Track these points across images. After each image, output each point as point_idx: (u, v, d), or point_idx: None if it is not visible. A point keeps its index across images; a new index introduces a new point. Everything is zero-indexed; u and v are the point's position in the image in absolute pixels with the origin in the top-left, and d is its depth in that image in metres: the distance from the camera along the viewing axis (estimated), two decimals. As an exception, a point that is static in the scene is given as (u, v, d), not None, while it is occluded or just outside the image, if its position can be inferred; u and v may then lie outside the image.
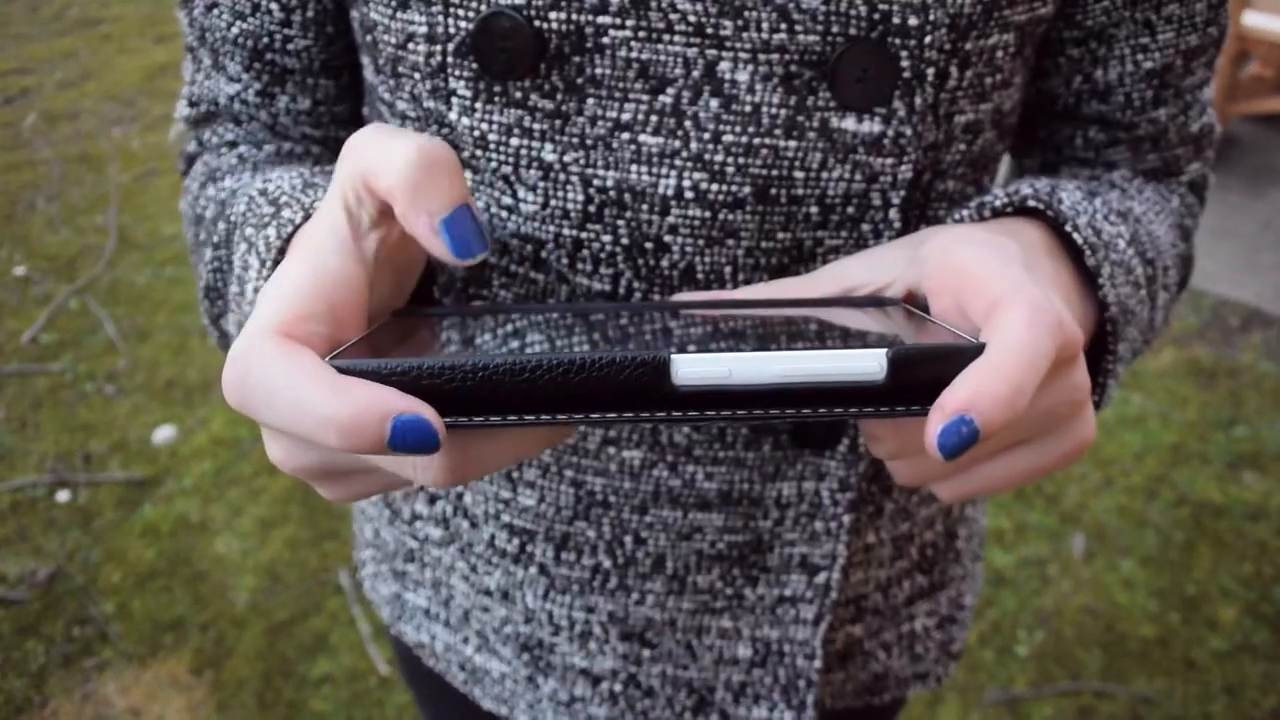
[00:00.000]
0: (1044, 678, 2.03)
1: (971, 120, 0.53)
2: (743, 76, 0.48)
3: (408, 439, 0.31)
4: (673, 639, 0.64)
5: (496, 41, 0.48)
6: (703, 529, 0.60)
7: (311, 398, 0.31)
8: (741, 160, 0.49)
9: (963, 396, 0.32)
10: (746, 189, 0.50)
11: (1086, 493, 2.44)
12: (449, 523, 0.67)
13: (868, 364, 0.32)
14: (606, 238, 0.52)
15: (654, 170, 0.50)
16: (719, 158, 0.49)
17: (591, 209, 0.51)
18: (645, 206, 0.50)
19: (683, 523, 0.60)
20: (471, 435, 0.35)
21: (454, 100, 0.50)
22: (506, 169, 0.51)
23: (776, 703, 0.66)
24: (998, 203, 0.50)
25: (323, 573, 2.28)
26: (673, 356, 0.31)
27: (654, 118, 0.49)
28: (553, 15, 0.47)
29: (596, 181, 0.50)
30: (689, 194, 0.50)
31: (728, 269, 0.52)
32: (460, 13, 0.48)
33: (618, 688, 0.66)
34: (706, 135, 0.49)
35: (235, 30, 0.59)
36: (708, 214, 0.50)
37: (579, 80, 0.49)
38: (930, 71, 0.48)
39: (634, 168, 0.50)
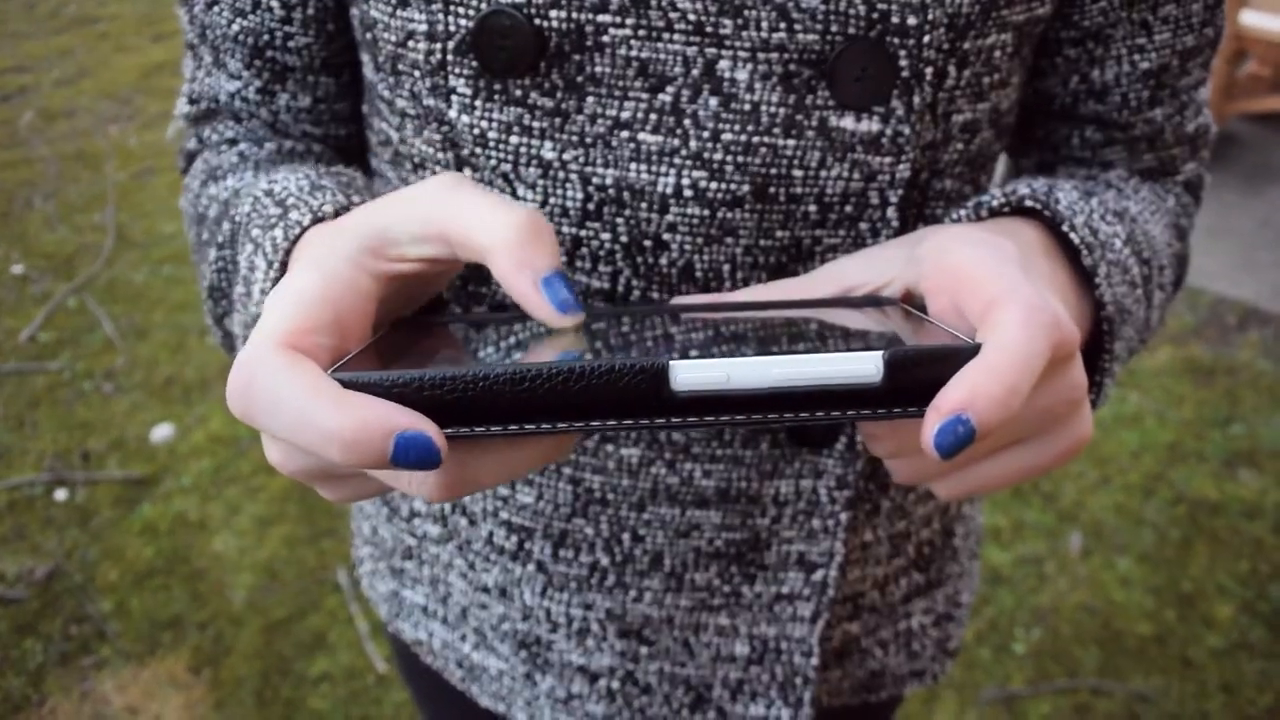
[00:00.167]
0: (1041, 675, 2.03)
1: (969, 119, 0.53)
2: (742, 75, 0.48)
3: (410, 455, 0.31)
4: (670, 636, 0.64)
5: (496, 39, 0.48)
6: (700, 526, 0.60)
7: (315, 412, 0.32)
8: (740, 159, 0.49)
9: (958, 397, 0.32)
10: (745, 187, 0.50)
11: (1084, 491, 2.44)
12: (447, 520, 0.67)
13: (864, 367, 0.32)
14: (605, 235, 0.52)
15: (653, 168, 0.50)
16: (718, 156, 0.49)
17: (591, 207, 0.51)
18: (644, 204, 0.51)
19: (680, 520, 0.60)
20: (470, 450, 0.35)
21: (454, 98, 0.51)
22: (506, 167, 0.51)
23: (774, 700, 0.66)
24: (995, 202, 0.50)
25: (321, 571, 2.28)
26: (671, 363, 0.32)
27: (653, 116, 0.49)
28: (553, 14, 0.47)
29: (596, 179, 0.51)
30: (688, 192, 0.50)
31: (726, 267, 0.52)
32: (460, 11, 0.48)
33: (615, 685, 0.66)
34: (706, 134, 0.49)
35: (236, 27, 0.59)
36: (706, 212, 0.51)
37: (579, 78, 0.49)
38: (928, 71, 0.49)
39: (633, 166, 0.50)
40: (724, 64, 0.48)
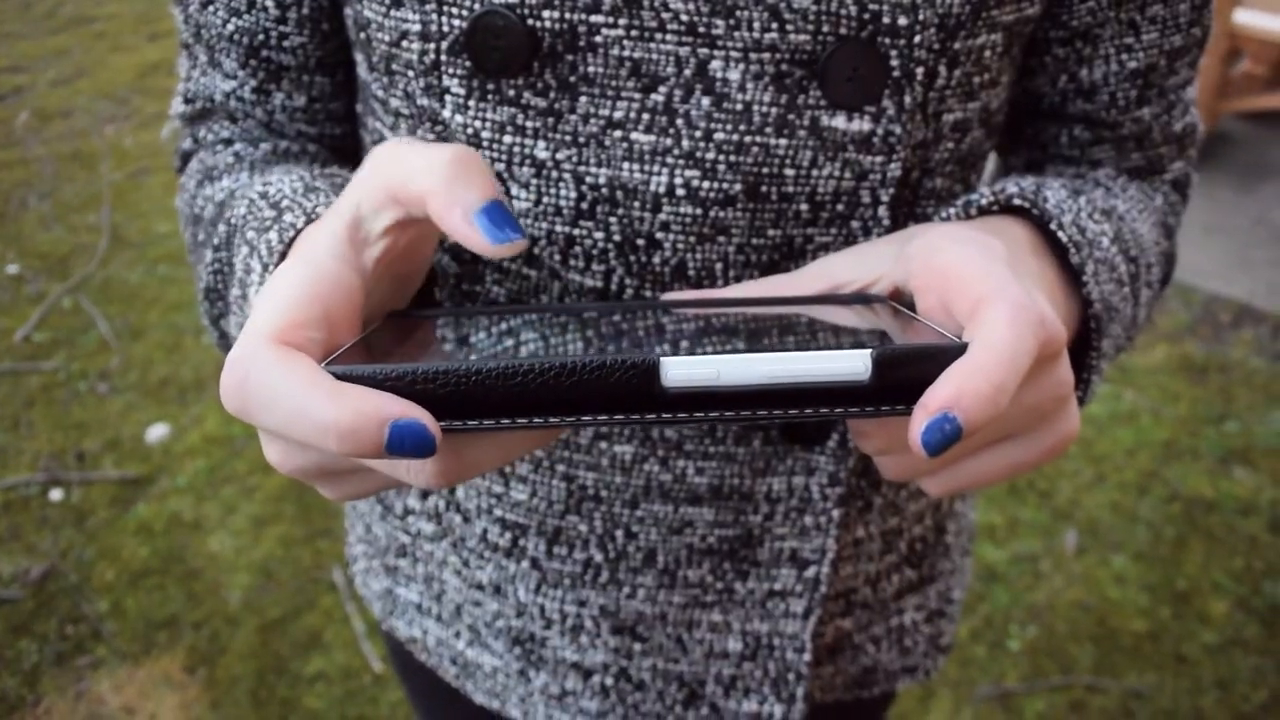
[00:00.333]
0: (1036, 672, 2.04)
1: (960, 119, 0.53)
2: (734, 75, 0.48)
3: (405, 443, 0.32)
4: (663, 633, 0.65)
5: (490, 40, 0.48)
6: (693, 523, 0.61)
7: (310, 404, 0.32)
8: (732, 158, 0.50)
9: (945, 395, 0.32)
10: (737, 186, 0.50)
11: (1079, 488, 2.44)
12: (441, 517, 0.67)
13: (853, 364, 0.32)
14: (599, 235, 0.52)
15: (646, 168, 0.50)
16: (710, 155, 0.50)
17: (584, 206, 0.52)
18: (637, 204, 0.51)
19: (673, 517, 0.60)
20: (464, 438, 0.35)
21: (447, 98, 0.51)
22: (499, 166, 0.52)
23: (766, 696, 0.66)
24: (984, 201, 0.51)
25: (316, 570, 2.28)
26: (661, 359, 0.32)
27: (646, 116, 0.49)
28: (545, 14, 0.47)
29: (589, 179, 0.51)
30: (680, 191, 0.50)
31: (719, 265, 0.53)
32: (453, 11, 0.48)
33: (609, 681, 0.67)
34: (698, 133, 0.49)
35: (231, 27, 0.59)
36: (699, 211, 0.51)
37: (572, 78, 0.49)
38: (919, 71, 0.49)
39: (626, 165, 0.50)
40: (716, 64, 0.48)
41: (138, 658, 2.09)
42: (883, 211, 0.52)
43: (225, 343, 0.59)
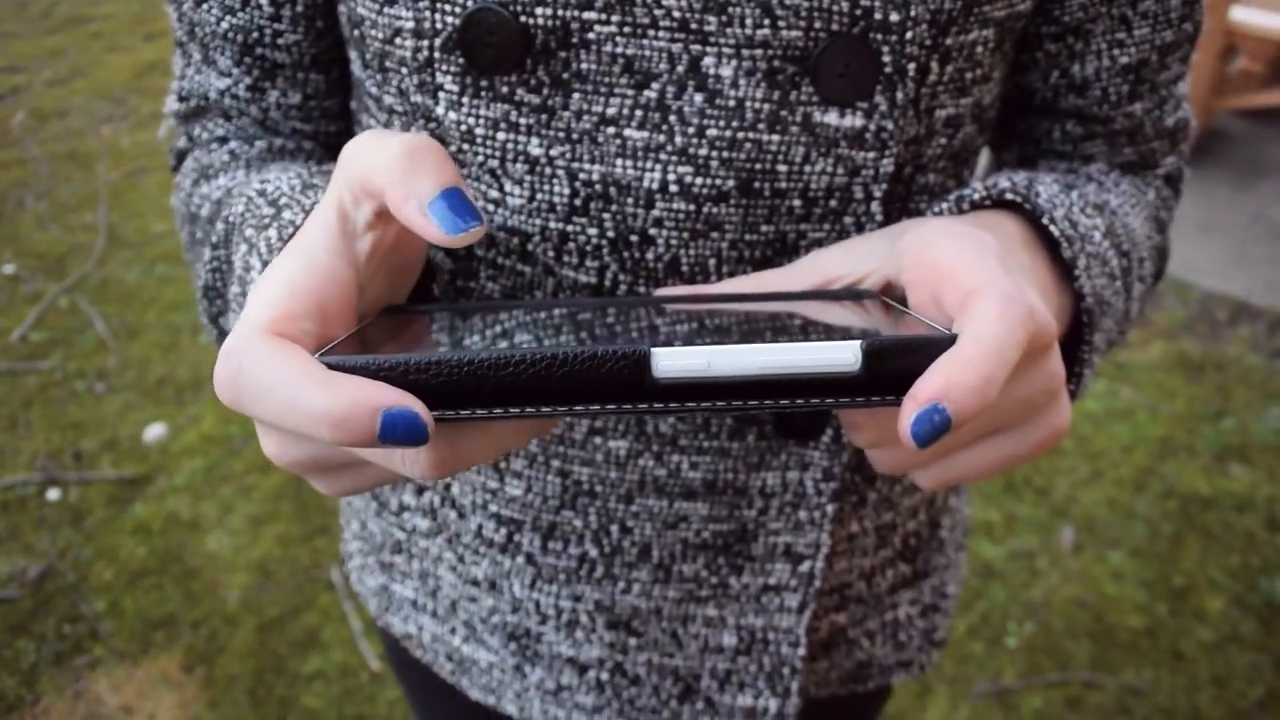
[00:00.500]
0: (1033, 669, 2.04)
1: (952, 114, 0.54)
2: (726, 71, 0.48)
3: (397, 431, 0.32)
4: (659, 627, 0.65)
5: (483, 36, 0.48)
6: (688, 518, 0.61)
7: (303, 394, 0.32)
8: (725, 154, 0.50)
9: (935, 386, 0.33)
10: (730, 182, 0.50)
11: (1075, 485, 2.45)
12: (436, 513, 0.67)
13: (843, 355, 0.33)
14: (592, 231, 0.52)
15: (639, 164, 0.50)
16: (703, 152, 0.50)
17: (577, 202, 0.52)
18: (630, 200, 0.51)
19: (668, 512, 0.61)
20: (458, 429, 0.36)
21: (441, 95, 0.51)
22: (493, 163, 0.52)
23: (761, 690, 0.67)
24: (976, 196, 0.51)
25: (314, 569, 2.28)
26: (652, 350, 0.32)
27: (639, 112, 0.49)
28: (538, 11, 0.48)
29: (582, 175, 0.51)
30: (673, 187, 0.51)
31: (712, 261, 0.53)
32: (447, 8, 0.49)
33: (604, 676, 0.67)
34: (691, 129, 0.49)
35: (225, 25, 0.59)
36: (692, 207, 0.51)
37: (565, 75, 0.49)
38: (911, 66, 0.49)
39: (619, 162, 0.50)
40: (708, 60, 0.48)
41: (135, 657, 2.09)
42: (875, 207, 0.52)
43: (224, 340, 0.59)
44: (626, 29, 0.48)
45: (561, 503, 0.62)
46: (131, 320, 3.13)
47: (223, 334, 0.59)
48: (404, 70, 0.52)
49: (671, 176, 0.50)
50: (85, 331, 3.08)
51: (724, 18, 0.47)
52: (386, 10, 0.51)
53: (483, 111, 0.51)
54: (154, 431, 2.67)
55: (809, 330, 0.37)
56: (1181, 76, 0.62)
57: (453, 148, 0.52)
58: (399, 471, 0.36)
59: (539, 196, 0.52)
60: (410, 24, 0.50)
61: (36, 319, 3.12)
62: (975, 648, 2.08)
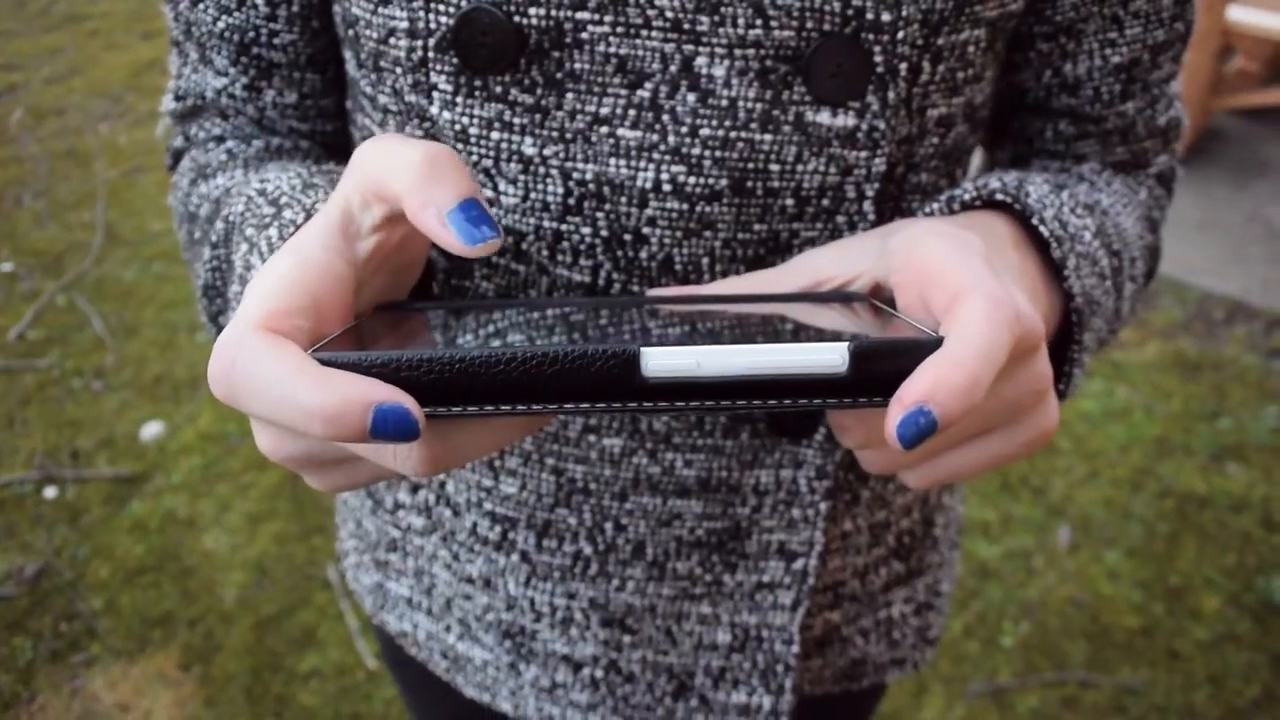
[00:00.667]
0: (1029, 668, 2.04)
1: (944, 114, 0.54)
2: (719, 71, 0.49)
3: (389, 427, 0.32)
4: (653, 625, 0.65)
5: (477, 36, 0.48)
6: (682, 516, 0.61)
7: (296, 389, 0.32)
8: (718, 153, 0.50)
9: (921, 388, 0.33)
10: (723, 181, 0.51)
11: (1072, 485, 2.45)
12: (431, 511, 0.67)
13: (830, 356, 0.33)
14: (586, 230, 0.53)
15: (632, 163, 0.50)
16: (696, 151, 0.50)
17: (571, 202, 0.52)
18: (624, 199, 0.51)
19: (662, 509, 0.61)
20: (450, 426, 0.36)
21: (435, 95, 0.51)
22: (487, 163, 0.52)
23: (755, 688, 0.67)
24: (966, 196, 0.51)
25: (311, 567, 2.28)
26: (642, 349, 0.33)
27: (632, 112, 0.50)
28: (532, 11, 0.48)
29: (576, 175, 0.51)
30: (667, 187, 0.51)
31: (705, 260, 0.53)
32: (440, 8, 0.49)
33: (599, 673, 0.67)
34: (684, 129, 0.50)
35: (221, 24, 0.59)
36: (685, 206, 0.51)
37: (558, 75, 0.49)
38: (903, 66, 0.49)
39: (612, 161, 0.51)
40: (701, 60, 0.49)
41: (132, 655, 2.09)
42: (868, 206, 0.52)
43: None
44: (619, 29, 0.48)
45: (556, 500, 0.62)
46: (129, 318, 3.13)
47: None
48: (398, 70, 0.52)
49: (665, 176, 0.50)
50: (82, 329, 3.08)
51: (716, 18, 0.47)
52: (381, 10, 0.51)
53: (477, 111, 0.51)
54: (151, 430, 2.67)
55: (798, 332, 0.37)
56: (1174, 75, 0.62)
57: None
58: (391, 468, 0.36)
59: (533, 196, 0.52)
60: (404, 24, 0.50)
61: (34, 317, 3.12)
62: (971, 647, 2.08)
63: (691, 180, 0.51)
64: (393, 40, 0.51)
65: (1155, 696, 1.98)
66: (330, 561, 2.29)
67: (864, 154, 0.51)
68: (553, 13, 0.48)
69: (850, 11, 0.47)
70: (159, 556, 2.32)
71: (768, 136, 0.50)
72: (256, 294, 0.36)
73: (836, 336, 0.35)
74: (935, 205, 0.51)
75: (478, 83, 0.50)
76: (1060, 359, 0.54)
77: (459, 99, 0.51)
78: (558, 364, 0.33)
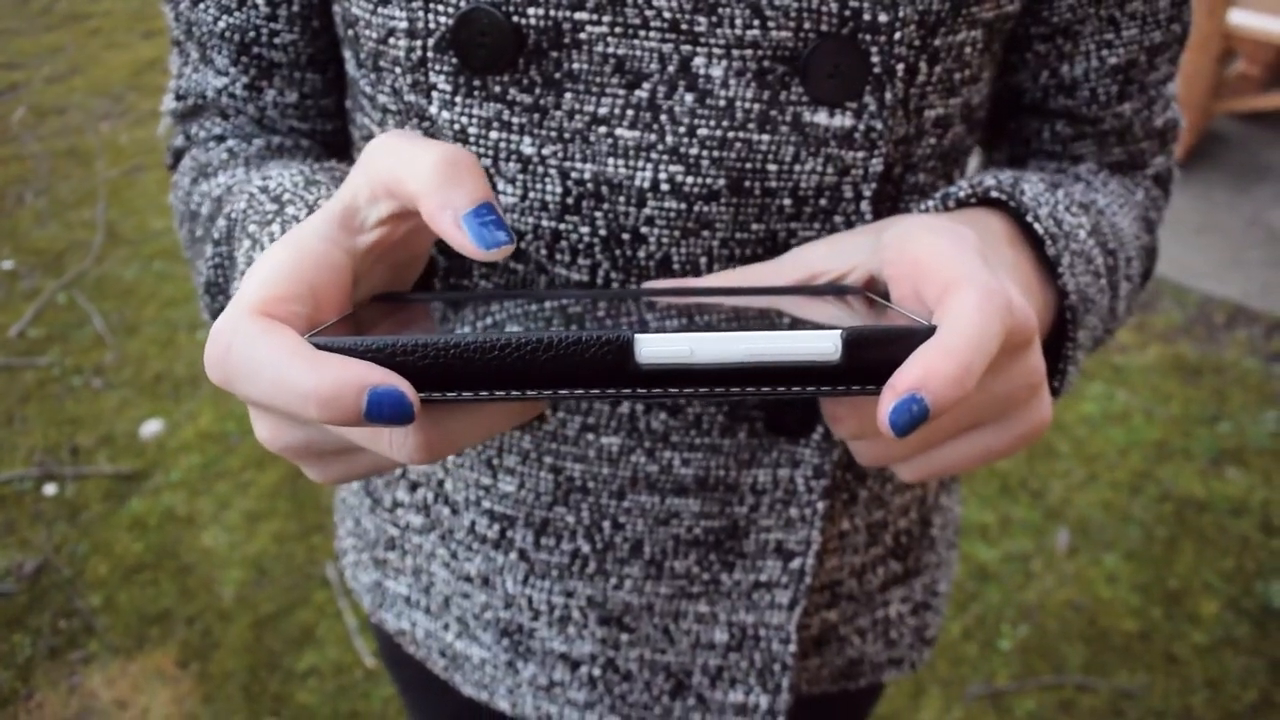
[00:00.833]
0: (1027, 671, 2.04)
1: (941, 114, 0.54)
2: (717, 72, 0.49)
3: (384, 409, 0.32)
4: (650, 623, 0.65)
5: (476, 37, 0.49)
6: (680, 514, 0.61)
7: (291, 372, 0.32)
8: (716, 153, 0.50)
9: (913, 376, 0.33)
10: (721, 181, 0.51)
11: (1071, 488, 2.45)
12: (430, 510, 0.68)
13: (823, 344, 0.33)
14: (584, 229, 0.53)
15: (630, 163, 0.51)
16: (694, 151, 0.50)
17: (569, 201, 0.52)
18: (622, 199, 0.52)
19: (660, 508, 0.61)
20: (445, 411, 0.36)
21: (434, 94, 0.51)
22: (486, 162, 0.52)
23: (752, 687, 0.67)
24: (962, 193, 0.52)
25: (310, 566, 2.28)
26: (636, 336, 0.33)
27: (630, 112, 0.50)
28: (531, 11, 0.48)
29: (574, 174, 0.51)
30: (665, 186, 0.51)
31: (703, 260, 0.53)
32: (440, 8, 0.49)
33: (596, 672, 0.67)
34: (682, 129, 0.50)
35: (222, 24, 0.60)
36: (683, 206, 0.51)
37: (557, 75, 0.50)
38: (900, 67, 0.49)
39: (611, 161, 0.51)
40: (699, 60, 0.49)
41: (130, 652, 2.09)
42: (865, 206, 0.52)
43: None
44: (618, 29, 0.48)
45: (554, 499, 0.62)
46: (129, 316, 3.13)
47: None
48: (398, 70, 0.52)
49: (663, 175, 0.51)
50: (83, 327, 3.08)
51: (714, 18, 0.48)
52: (380, 10, 0.51)
53: (476, 111, 0.51)
54: (151, 427, 2.67)
55: (792, 323, 0.37)
56: (1170, 77, 0.62)
57: None
58: (386, 454, 0.36)
59: (531, 195, 0.52)
60: (404, 24, 0.50)
61: (34, 315, 3.12)
62: (969, 650, 2.08)
63: (689, 180, 0.51)
64: (392, 40, 0.51)
65: (1153, 700, 1.98)
66: (329, 560, 2.29)
67: (861, 154, 0.51)
68: (551, 13, 0.48)
69: (847, 12, 0.48)
70: (158, 554, 2.32)
71: (765, 136, 0.50)
72: (253, 281, 0.37)
73: (830, 326, 0.35)
74: (930, 202, 0.52)
75: (476, 82, 0.50)
76: (1055, 357, 0.54)
77: (458, 99, 0.51)
78: (552, 350, 0.33)
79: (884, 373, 0.34)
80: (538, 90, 0.50)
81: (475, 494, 0.64)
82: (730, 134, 0.50)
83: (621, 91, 0.50)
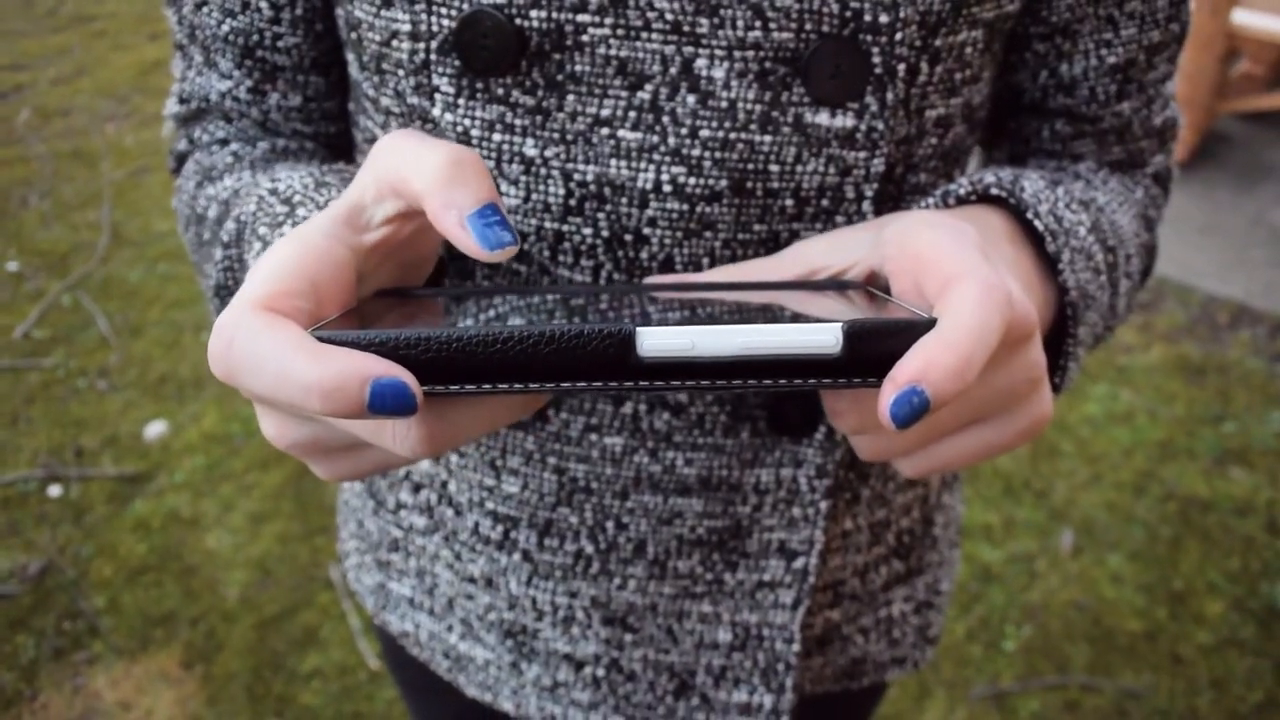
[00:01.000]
0: (1031, 672, 2.04)
1: (942, 114, 0.54)
2: (719, 73, 0.49)
3: (386, 401, 0.32)
4: (654, 623, 0.65)
5: (478, 39, 0.49)
6: (683, 514, 0.61)
7: (294, 365, 0.33)
8: (718, 154, 0.50)
9: (913, 368, 0.33)
10: (723, 182, 0.51)
11: (1075, 488, 2.45)
12: (433, 511, 0.68)
13: (824, 337, 0.33)
14: (587, 230, 0.53)
15: (633, 164, 0.51)
16: (696, 152, 0.50)
17: (572, 203, 0.52)
18: (624, 200, 0.52)
19: (663, 508, 0.61)
20: (448, 404, 0.36)
21: (437, 97, 0.52)
22: (489, 164, 0.52)
23: (756, 686, 0.67)
24: (962, 190, 0.52)
25: (313, 567, 2.29)
26: (637, 329, 0.33)
27: (632, 113, 0.50)
28: (533, 13, 0.48)
29: (577, 176, 0.51)
30: (667, 187, 0.51)
31: (705, 260, 0.53)
32: (443, 11, 0.49)
33: (600, 672, 0.67)
34: (684, 130, 0.50)
35: (225, 28, 0.60)
36: (685, 207, 0.52)
37: (559, 77, 0.50)
38: (901, 67, 0.50)
39: (613, 162, 0.51)
40: (701, 62, 0.49)
41: (134, 653, 2.10)
42: (867, 206, 0.53)
43: None
44: (620, 31, 0.48)
45: (558, 499, 0.62)
46: (134, 318, 3.14)
47: None
48: (401, 72, 0.52)
49: (665, 177, 0.51)
50: (87, 329, 3.09)
51: (716, 20, 0.48)
52: (383, 13, 0.51)
53: (478, 113, 0.51)
54: (155, 429, 2.68)
55: (793, 316, 0.37)
56: (1169, 76, 0.63)
57: None
58: (389, 448, 0.36)
59: (534, 197, 0.52)
60: (407, 26, 0.50)
61: (39, 316, 3.13)
62: (973, 650, 2.08)
63: (692, 181, 0.51)
64: (395, 43, 0.52)
65: (1158, 701, 1.98)
66: (333, 562, 2.29)
67: (863, 154, 0.51)
68: (553, 15, 0.48)
69: (848, 13, 0.48)
70: (162, 555, 2.32)
71: (767, 137, 0.50)
72: (256, 276, 0.37)
73: (831, 319, 0.35)
74: (931, 200, 0.52)
75: (479, 85, 0.50)
76: (1056, 353, 0.54)
77: (461, 101, 0.51)
78: (554, 343, 0.33)
79: (885, 365, 0.34)
80: (540, 92, 0.50)
81: (479, 495, 0.64)
82: (732, 135, 0.50)
83: (624, 93, 0.50)
